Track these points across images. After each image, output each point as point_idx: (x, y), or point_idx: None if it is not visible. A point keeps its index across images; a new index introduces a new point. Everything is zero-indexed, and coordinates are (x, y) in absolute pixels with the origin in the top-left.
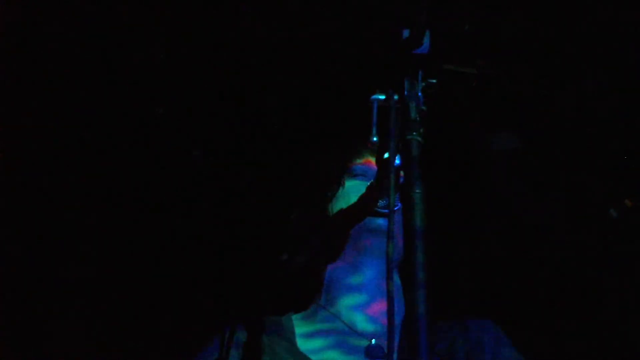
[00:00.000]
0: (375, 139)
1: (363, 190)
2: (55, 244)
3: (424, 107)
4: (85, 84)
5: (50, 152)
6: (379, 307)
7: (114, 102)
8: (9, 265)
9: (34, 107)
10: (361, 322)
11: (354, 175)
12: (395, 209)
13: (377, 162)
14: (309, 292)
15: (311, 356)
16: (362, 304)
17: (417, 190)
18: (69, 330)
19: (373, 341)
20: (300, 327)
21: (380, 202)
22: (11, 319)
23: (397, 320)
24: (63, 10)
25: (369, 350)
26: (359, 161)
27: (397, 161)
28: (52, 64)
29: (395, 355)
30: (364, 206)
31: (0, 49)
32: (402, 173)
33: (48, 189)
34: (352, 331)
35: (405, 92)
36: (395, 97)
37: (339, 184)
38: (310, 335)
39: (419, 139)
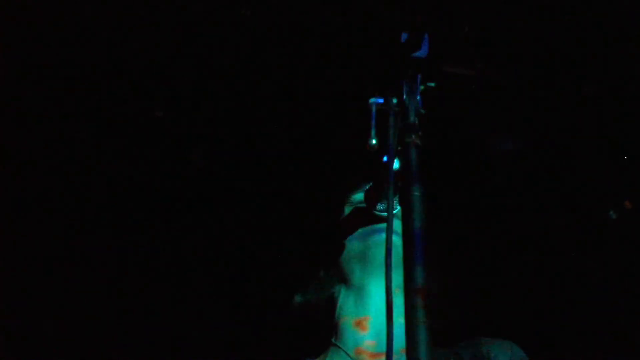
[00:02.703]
0: (374, 142)
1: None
2: (55, 245)
3: (422, 110)
4: (85, 86)
5: (50, 154)
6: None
7: (114, 104)
8: (9, 265)
9: (34, 108)
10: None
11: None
12: (395, 211)
13: (376, 165)
14: (324, 328)
15: None
16: (377, 331)
17: (416, 193)
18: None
19: None
20: None
21: (380, 205)
22: (11, 319)
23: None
24: (63, 10)
25: None
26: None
27: (396, 164)
28: (52, 65)
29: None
30: (364, 210)
31: (0, 49)
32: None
33: (48, 190)
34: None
35: (404, 95)
36: (394, 100)
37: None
38: None
39: (418, 142)
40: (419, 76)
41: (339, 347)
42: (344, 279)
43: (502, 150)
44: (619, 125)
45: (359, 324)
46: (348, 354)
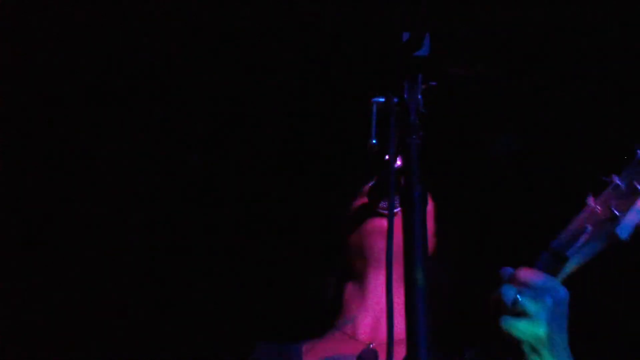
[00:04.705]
0: (374, 141)
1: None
2: (55, 247)
3: (423, 110)
4: (85, 87)
5: (50, 155)
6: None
7: (113, 105)
8: (9, 265)
9: (34, 109)
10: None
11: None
12: (396, 211)
13: (377, 164)
14: (326, 315)
15: None
16: (375, 316)
17: (417, 193)
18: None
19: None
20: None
21: (381, 204)
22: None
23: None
24: (63, 11)
25: (362, 355)
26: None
27: (397, 164)
28: (52, 66)
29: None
30: (365, 208)
31: (2, 49)
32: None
33: (48, 191)
34: (367, 346)
35: (405, 95)
36: (395, 99)
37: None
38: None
39: (419, 141)
40: (420, 75)
41: (338, 329)
42: (345, 270)
43: (503, 150)
44: (619, 124)
45: (357, 311)
46: (345, 333)
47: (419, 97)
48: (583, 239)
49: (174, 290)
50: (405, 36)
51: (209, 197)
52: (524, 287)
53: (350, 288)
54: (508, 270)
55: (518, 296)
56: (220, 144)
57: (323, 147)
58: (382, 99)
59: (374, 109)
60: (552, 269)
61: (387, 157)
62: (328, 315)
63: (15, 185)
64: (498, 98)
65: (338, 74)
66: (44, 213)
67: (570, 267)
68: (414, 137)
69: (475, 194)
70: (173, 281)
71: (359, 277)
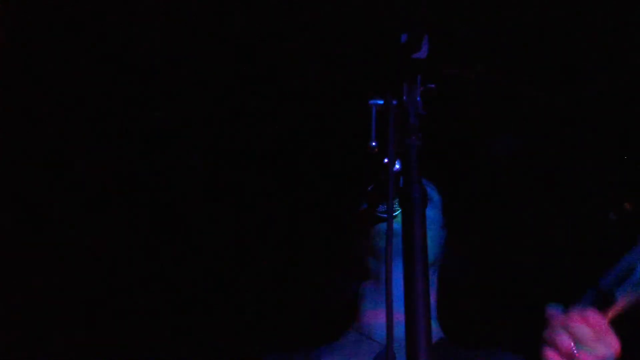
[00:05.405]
0: (374, 143)
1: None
2: (53, 249)
3: (422, 112)
4: (84, 87)
5: (49, 155)
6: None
7: (112, 105)
8: (10, 266)
9: (32, 109)
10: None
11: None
12: (395, 214)
13: (376, 166)
14: (343, 317)
15: None
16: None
17: (416, 195)
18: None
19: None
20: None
21: (380, 207)
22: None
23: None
24: (61, 11)
25: (379, 356)
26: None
27: (397, 166)
28: (51, 66)
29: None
30: (365, 212)
31: (1, 49)
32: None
33: (45, 192)
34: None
35: (404, 97)
36: (394, 101)
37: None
38: None
39: (418, 143)
40: (419, 77)
41: (355, 330)
42: (362, 275)
43: (502, 151)
44: (619, 125)
45: (377, 314)
46: (362, 334)
47: (418, 99)
48: (634, 279)
49: (183, 293)
50: (404, 38)
51: (209, 197)
52: (579, 338)
53: (366, 288)
54: (557, 311)
55: (574, 350)
56: (220, 144)
57: (323, 150)
58: (381, 102)
59: (373, 111)
60: (599, 309)
61: (386, 160)
62: (345, 318)
63: (15, 185)
64: (498, 99)
65: (337, 76)
66: (42, 213)
67: (619, 307)
68: (413, 138)
69: (474, 195)
70: (181, 285)
71: (375, 277)
